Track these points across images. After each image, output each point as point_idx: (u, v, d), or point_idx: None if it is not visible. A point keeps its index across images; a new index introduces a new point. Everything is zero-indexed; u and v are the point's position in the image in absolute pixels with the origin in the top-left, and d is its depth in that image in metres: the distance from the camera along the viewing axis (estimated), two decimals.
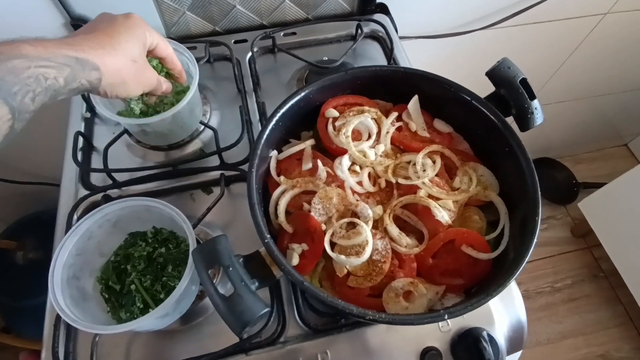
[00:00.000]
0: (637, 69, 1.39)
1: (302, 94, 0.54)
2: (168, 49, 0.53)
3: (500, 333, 0.57)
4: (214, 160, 0.68)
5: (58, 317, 0.52)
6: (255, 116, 0.74)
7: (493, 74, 0.53)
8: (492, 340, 0.53)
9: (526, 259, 0.42)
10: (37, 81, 0.36)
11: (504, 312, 0.58)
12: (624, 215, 1.42)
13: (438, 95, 0.56)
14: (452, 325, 0.55)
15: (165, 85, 0.54)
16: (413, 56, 0.92)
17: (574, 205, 1.70)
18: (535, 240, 0.43)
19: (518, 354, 0.60)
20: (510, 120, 0.53)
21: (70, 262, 0.47)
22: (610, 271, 1.57)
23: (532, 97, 0.52)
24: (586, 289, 1.62)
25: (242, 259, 0.42)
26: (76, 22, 0.77)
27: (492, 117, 0.52)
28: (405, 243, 0.47)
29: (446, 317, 0.39)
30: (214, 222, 0.64)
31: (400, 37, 0.96)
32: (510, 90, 0.52)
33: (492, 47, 1.11)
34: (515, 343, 0.58)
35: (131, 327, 0.43)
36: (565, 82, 1.37)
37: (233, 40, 0.84)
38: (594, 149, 1.96)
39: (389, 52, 0.82)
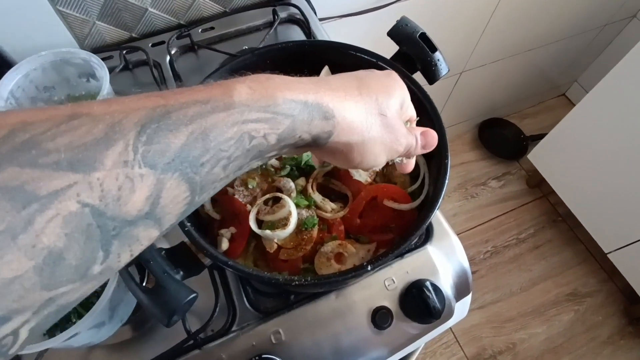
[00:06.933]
0: (560, 19, 1.47)
1: (211, 80, 0.53)
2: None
3: (446, 281, 0.59)
4: None
5: None
6: None
7: (393, 33, 0.55)
8: (436, 288, 0.55)
9: (439, 200, 0.43)
10: (238, 143, 0.23)
11: (445, 260, 0.60)
12: (569, 158, 1.51)
13: (348, 63, 0.57)
14: (398, 282, 0.57)
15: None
16: (339, 38, 0.92)
17: (525, 159, 1.77)
18: (447, 181, 0.45)
19: (468, 297, 0.62)
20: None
21: None
22: (567, 214, 1.66)
23: (433, 49, 0.54)
24: (548, 234, 1.70)
25: (164, 252, 0.42)
26: None
27: None
28: (330, 208, 0.48)
29: (369, 268, 0.40)
30: None
31: (322, 19, 0.97)
32: (412, 46, 0.54)
33: (416, 18, 1.14)
34: (462, 288, 0.60)
35: (58, 342, 0.41)
36: (494, 41, 1.43)
37: (150, 44, 0.82)
38: (536, 102, 2.05)
39: (308, 33, 0.83)
